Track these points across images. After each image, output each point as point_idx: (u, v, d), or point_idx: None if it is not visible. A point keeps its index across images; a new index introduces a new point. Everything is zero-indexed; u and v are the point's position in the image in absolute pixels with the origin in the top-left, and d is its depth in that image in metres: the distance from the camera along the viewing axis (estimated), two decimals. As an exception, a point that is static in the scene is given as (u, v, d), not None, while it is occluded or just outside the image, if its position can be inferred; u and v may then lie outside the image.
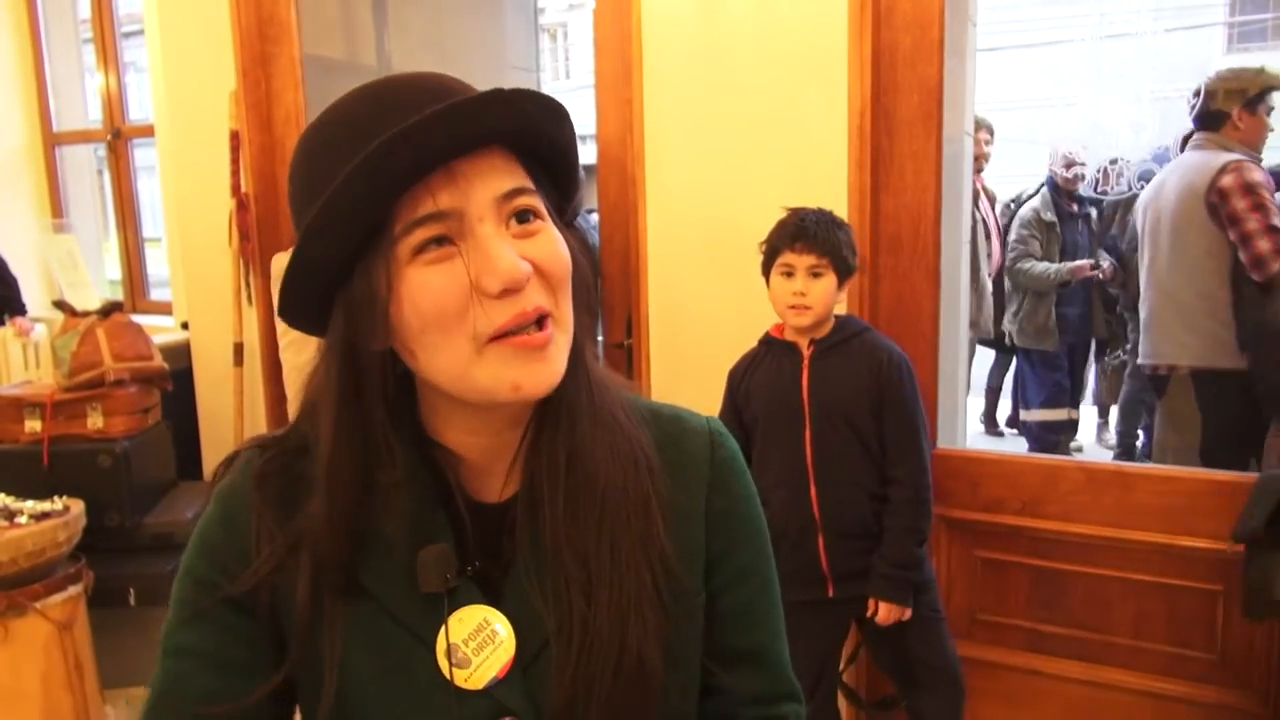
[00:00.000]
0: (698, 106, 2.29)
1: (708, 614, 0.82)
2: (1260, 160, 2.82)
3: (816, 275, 1.90)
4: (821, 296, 1.91)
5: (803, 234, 1.91)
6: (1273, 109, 2.89)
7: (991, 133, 4.33)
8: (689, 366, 2.40)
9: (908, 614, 1.93)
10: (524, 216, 0.69)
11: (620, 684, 0.72)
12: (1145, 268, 3.06)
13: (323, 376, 0.73)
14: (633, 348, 2.52)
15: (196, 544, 0.77)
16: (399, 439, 0.73)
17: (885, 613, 1.92)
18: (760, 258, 2.00)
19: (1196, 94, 2.89)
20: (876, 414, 1.93)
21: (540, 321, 0.68)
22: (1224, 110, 2.84)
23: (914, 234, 2.17)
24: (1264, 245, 2.67)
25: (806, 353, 1.97)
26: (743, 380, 2.05)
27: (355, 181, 0.64)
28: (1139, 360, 3.12)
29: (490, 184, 0.67)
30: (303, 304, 0.71)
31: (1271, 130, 2.83)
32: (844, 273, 1.92)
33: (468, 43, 4.03)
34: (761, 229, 2.07)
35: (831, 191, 2.15)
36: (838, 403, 1.93)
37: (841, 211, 2.14)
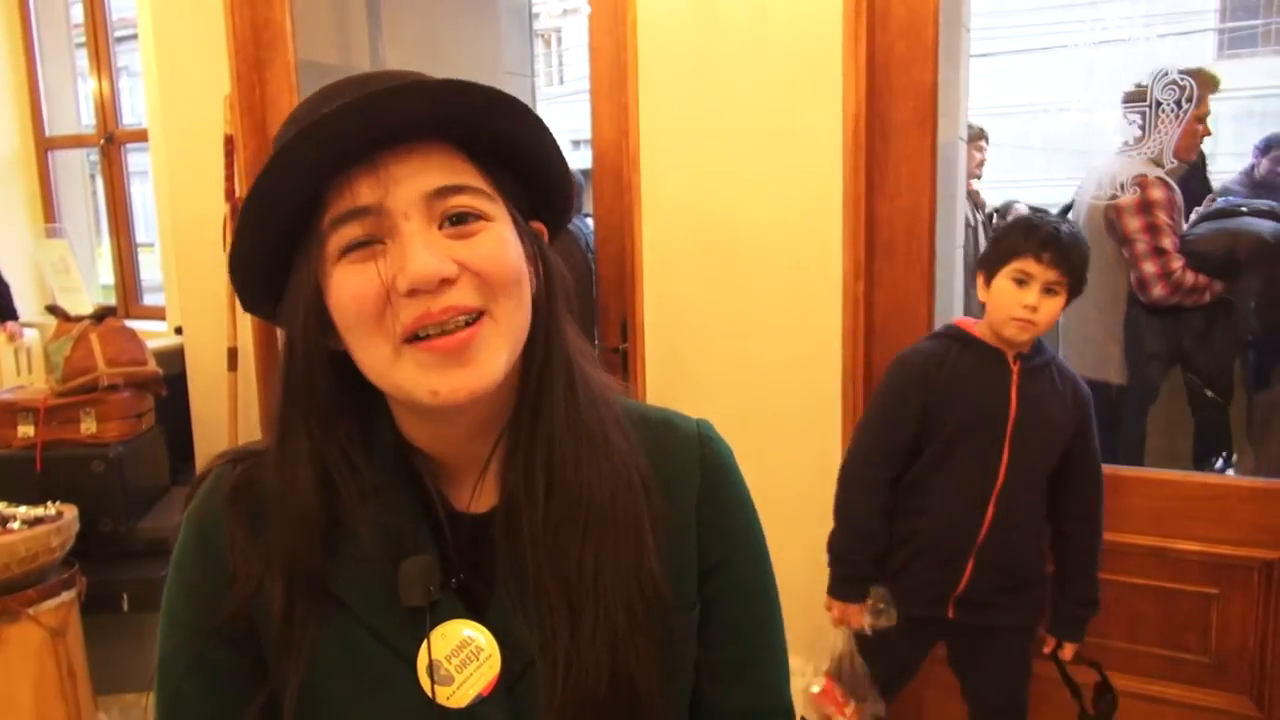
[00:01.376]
0: (693, 111, 2.30)
1: (701, 630, 0.79)
2: (1191, 165, 2.75)
3: (1052, 292, 1.75)
4: (1050, 315, 1.76)
5: (1054, 245, 1.74)
6: (1206, 115, 2.70)
7: (987, 140, 4.34)
8: (685, 371, 2.40)
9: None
10: (461, 218, 0.66)
11: (613, 711, 0.69)
12: None
13: (282, 373, 0.70)
14: (628, 352, 2.51)
15: (175, 580, 0.75)
16: (364, 444, 0.71)
17: (1069, 652, 1.91)
18: (757, 259, 1.99)
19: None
20: (1067, 449, 1.85)
21: (469, 322, 0.65)
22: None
23: (908, 239, 2.18)
24: (1149, 268, 2.67)
25: (1014, 366, 1.82)
26: (940, 375, 1.84)
27: (273, 171, 0.62)
28: None
29: (419, 180, 0.65)
30: (251, 293, 0.71)
31: (1209, 135, 2.76)
32: (1075, 295, 1.79)
33: (462, 48, 4.03)
34: (757, 232, 2.07)
35: (826, 196, 2.15)
36: (1044, 428, 1.81)
37: (836, 215, 2.15)
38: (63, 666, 2.24)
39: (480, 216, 0.67)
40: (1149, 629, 2.09)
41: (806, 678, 2.14)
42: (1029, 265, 1.75)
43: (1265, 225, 2.93)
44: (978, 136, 4.07)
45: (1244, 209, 2.95)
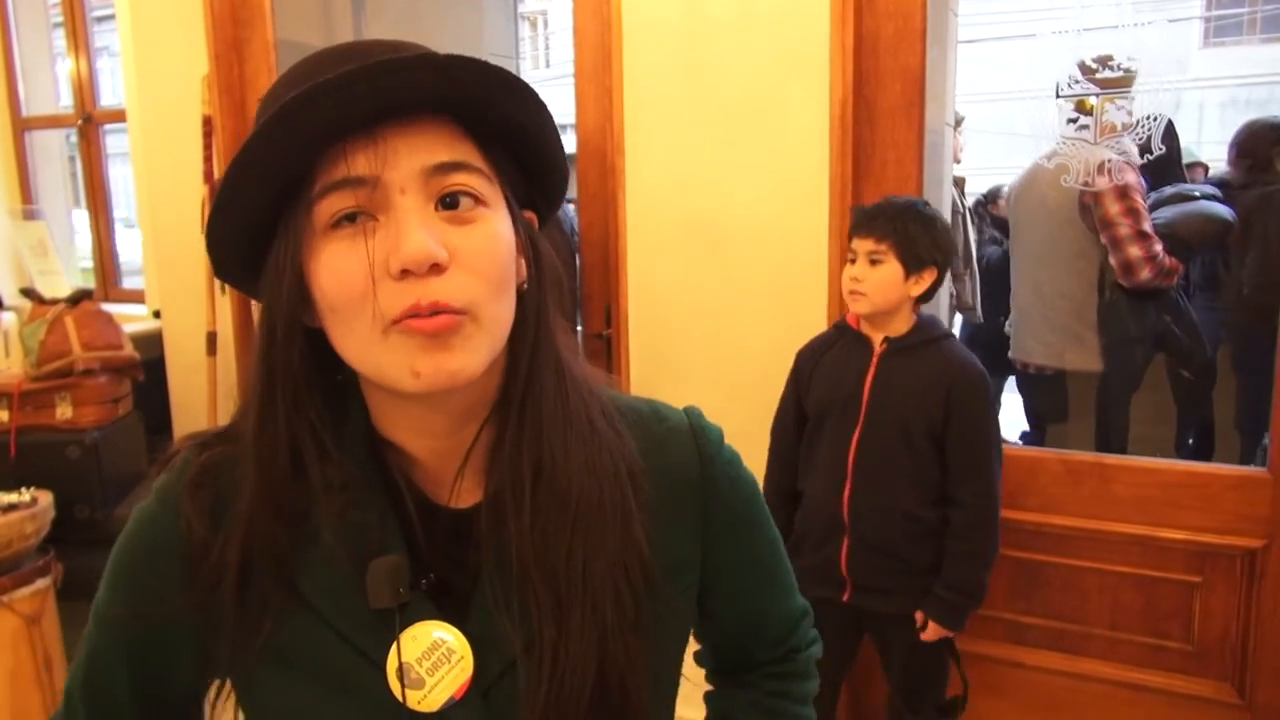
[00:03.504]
0: (678, 95, 2.27)
1: (704, 607, 0.80)
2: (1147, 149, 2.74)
3: (875, 262, 1.84)
4: (878, 285, 1.84)
5: (866, 219, 1.87)
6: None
7: (959, 122, 4.33)
8: (669, 357, 2.39)
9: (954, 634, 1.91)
10: (454, 200, 0.63)
11: (599, 709, 0.68)
12: (1016, 261, 3.03)
13: (257, 352, 0.67)
14: (612, 339, 2.50)
15: (115, 574, 0.73)
16: (335, 432, 0.69)
17: (932, 632, 1.88)
18: (743, 244, 1.98)
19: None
20: (938, 431, 1.84)
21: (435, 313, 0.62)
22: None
23: (895, 225, 2.16)
24: (1134, 251, 2.66)
25: (878, 349, 1.89)
26: (809, 364, 1.98)
27: (270, 131, 0.60)
28: (1009, 354, 3.13)
29: (419, 154, 0.62)
30: (228, 260, 0.68)
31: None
32: (912, 264, 1.83)
33: (446, 29, 4.00)
34: (742, 218, 2.05)
35: (813, 181, 2.14)
36: (897, 409, 1.85)
37: (822, 200, 2.13)
38: (39, 654, 2.22)
39: (477, 200, 0.64)
40: (1132, 617, 2.10)
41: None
42: (853, 244, 1.89)
43: (1223, 208, 2.97)
44: (956, 123, 4.07)
45: (1197, 194, 2.98)
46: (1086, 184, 2.55)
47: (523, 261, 0.70)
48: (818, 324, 2.16)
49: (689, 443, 0.79)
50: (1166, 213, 2.88)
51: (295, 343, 0.66)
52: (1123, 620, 2.11)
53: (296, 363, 0.66)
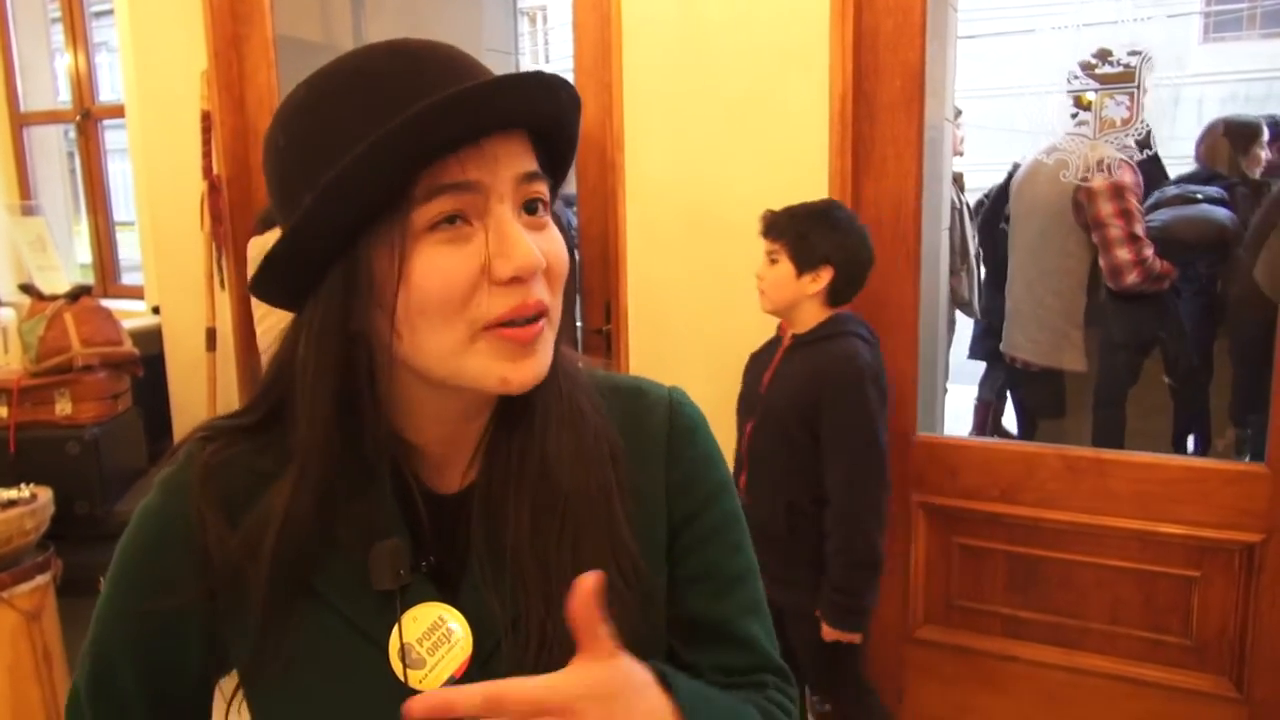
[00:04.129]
0: (678, 90, 2.27)
1: (669, 588, 0.78)
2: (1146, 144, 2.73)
3: (773, 261, 1.92)
4: (773, 283, 1.92)
5: (767, 221, 1.94)
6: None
7: (958, 115, 4.31)
8: (668, 352, 2.39)
9: (854, 639, 1.90)
10: (533, 206, 0.66)
11: None
12: (1012, 255, 2.99)
13: (305, 355, 0.67)
14: (611, 334, 2.50)
15: (132, 540, 0.73)
16: (342, 430, 0.69)
17: (826, 632, 1.90)
18: (742, 240, 1.99)
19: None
20: (814, 425, 1.87)
21: (535, 317, 0.65)
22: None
23: (895, 219, 2.16)
24: (1123, 255, 2.63)
25: (784, 345, 1.96)
26: (749, 363, 2.08)
27: (391, 143, 0.59)
28: (1000, 347, 3.11)
29: (515, 163, 0.65)
30: (292, 274, 0.66)
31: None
32: (804, 263, 1.87)
33: (445, 24, 3.99)
34: (741, 213, 2.05)
35: (812, 176, 2.13)
36: (777, 402, 1.93)
37: (822, 195, 2.13)
38: (38, 650, 2.22)
39: (546, 207, 0.68)
40: (1131, 611, 2.10)
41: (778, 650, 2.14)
42: (764, 244, 1.95)
43: (1222, 212, 2.94)
44: (954, 116, 4.06)
45: (1199, 195, 2.96)
46: (1084, 179, 2.54)
47: None
48: (817, 319, 2.16)
49: (663, 414, 0.80)
50: (1165, 214, 2.87)
51: (340, 349, 0.66)
52: (1121, 615, 2.11)
53: (338, 370, 0.67)
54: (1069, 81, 2.37)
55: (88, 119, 3.97)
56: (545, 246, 0.66)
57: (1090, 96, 2.36)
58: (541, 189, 0.67)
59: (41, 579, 2.24)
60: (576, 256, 2.60)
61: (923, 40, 2.08)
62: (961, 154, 4.22)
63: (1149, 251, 2.67)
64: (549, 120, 0.68)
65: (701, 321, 2.32)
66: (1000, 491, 2.16)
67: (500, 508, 0.71)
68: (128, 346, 2.84)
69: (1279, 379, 1.92)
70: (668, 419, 0.80)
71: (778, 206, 2.18)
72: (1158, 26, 2.46)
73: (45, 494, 2.31)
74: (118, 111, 3.73)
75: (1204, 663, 2.06)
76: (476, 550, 0.71)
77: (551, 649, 0.68)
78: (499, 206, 0.64)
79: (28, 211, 4.15)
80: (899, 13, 2.08)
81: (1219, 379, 3.10)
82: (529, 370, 0.66)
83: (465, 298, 0.63)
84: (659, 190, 2.33)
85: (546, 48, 15.51)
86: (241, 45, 2.92)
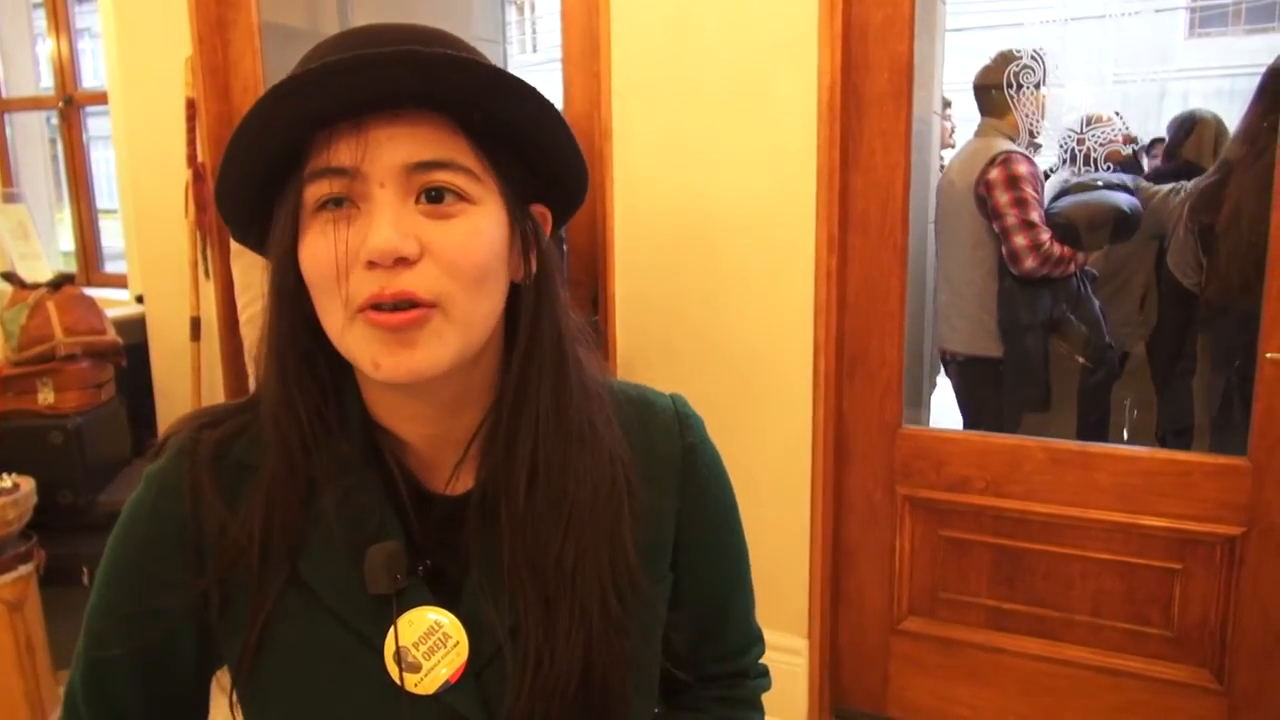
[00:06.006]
0: (666, 82, 2.26)
1: (672, 596, 0.80)
2: (1037, 146, 2.81)
3: None
4: None
5: None
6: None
7: (947, 105, 4.32)
8: (655, 343, 2.38)
9: None
10: (439, 194, 0.64)
11: (582, 707, 0.69)
12: (938, 251, 3.12)
13: (264, 323, 0.70)
14: (599, 324, 2.49)
15: (122, 536, 0.72)
16: (338, 411, 0.70)
17: None
18: (730, 232, 1.98)
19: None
20: None
21: (406, 304, 0.62)
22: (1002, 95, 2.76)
23: (882, 212, 2.17)
24: (1019, 240, 2.76)
25: None
26: None
27: (257, 116, 0.61)
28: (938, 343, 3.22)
29: (401, 150, 0.63)
30: (237, 225, 0.71)
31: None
32: None
33: (432, 12, 3.96)
34: (730, 205, 2.05)
35: (800, 168, 2.13)
36: None
37: (809, 189, 2.13)
38: (21, 640, 2.20)
39: (461, 197, 0.64)
40: (1113, 603, 2.12)
41: (780, 650, 2.14)
42: None
43: (1121, 197, 3.03)
44: (943, 107, 4.07)
45: (1099, 183, 3.02)
46: (984, 171, 2.74)
47: (519, 259, 0.70)
48: (804, 310, 2.16)
49: (674, 429, 0.81)
50: (1064, 202, 2.95)
51: (298, 311, 0.67)
52: (1104, 606, 2.13)
53: (301, 334, 0.68)
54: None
55: (70, 105, 3.93)
56: (436, 236, 0.63)
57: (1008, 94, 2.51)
58: (449, 178, 0.64)
59: (24, 569, 2.23)
60: (564, 247, 2.60)
61: (911, 33, 2.08)
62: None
63: (1044, 236, 2.78)
64: (448, 104, 0.64)
65: (689, 311, 2.32)
66: (986, 484, 2.17)
67: (497, 522, 0.70)
68: (111, 335, 2.82)
69: (1262, 373, 1.93)
70: (679, 436, 0.81)
71: (766, 197, 2.19)
72: (1144, 21, 2.49)
73: (28, 484, 2.29)
74: (101, 98, 3.69)
75: (1185, 654, 2.07)
76: (475, 557, 0.71)
77: (548, 666, 0.68)
78: (379, 192, 0.63)
79: (9, 199, 4.11)
80: (888, 5, 2.08)
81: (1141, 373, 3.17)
82: (401, 359, 0.63)
83: (336, 276, 0.63)
84: (648, 181, 2.33)
85: (535, 37, 15.44)
86: (226, 31, 2.90)
